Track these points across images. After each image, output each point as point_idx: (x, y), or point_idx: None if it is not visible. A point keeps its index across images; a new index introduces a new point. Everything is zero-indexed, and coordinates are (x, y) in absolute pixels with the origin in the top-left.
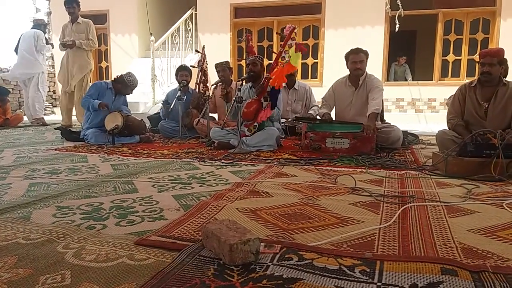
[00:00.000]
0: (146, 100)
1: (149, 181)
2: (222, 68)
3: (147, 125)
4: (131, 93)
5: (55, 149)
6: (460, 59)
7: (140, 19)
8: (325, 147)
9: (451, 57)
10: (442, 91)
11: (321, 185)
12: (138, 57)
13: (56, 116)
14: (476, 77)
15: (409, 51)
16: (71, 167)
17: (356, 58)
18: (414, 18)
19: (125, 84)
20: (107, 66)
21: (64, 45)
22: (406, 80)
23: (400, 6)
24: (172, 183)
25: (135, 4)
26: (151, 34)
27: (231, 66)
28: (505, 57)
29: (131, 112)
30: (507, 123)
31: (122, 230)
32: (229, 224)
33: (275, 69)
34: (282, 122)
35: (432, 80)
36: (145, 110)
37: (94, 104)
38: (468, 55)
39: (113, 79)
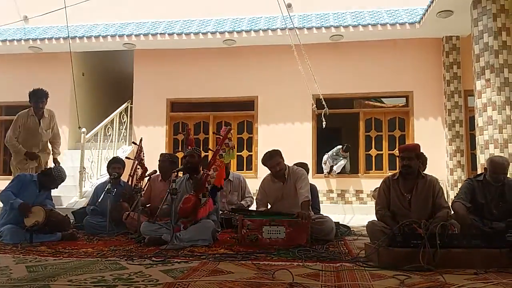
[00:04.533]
0: (72, 193)
1: (69, 285)
2: (161, 158)
3: (71, 220)
4: (57, 187)
5: None
6: (382, 154)
7: (72, 110)
8: (262, 238)
9: (373, 152)
10: (368, 183)
11: (258, 282)
12: (67, 149)
13: None
14: (397, 170)
15: (335, 146)
16: None
17: (273, 164)
18: (339, 116)
19: (53, 178)
20: None
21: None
22: (344, 168)
23: (325, 106)
24: (94, 286)
25: (68, 95)
26: (79, 127)
27: (174, 160)
28: (421, 151)
29: (55, 206)
30: (429, 212)
31: None
32: None
33: (213, 167)
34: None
35: (358, 173)
36: (70, 205)
37: (15, 204)
38: (388, 150)
39: (39, 172)
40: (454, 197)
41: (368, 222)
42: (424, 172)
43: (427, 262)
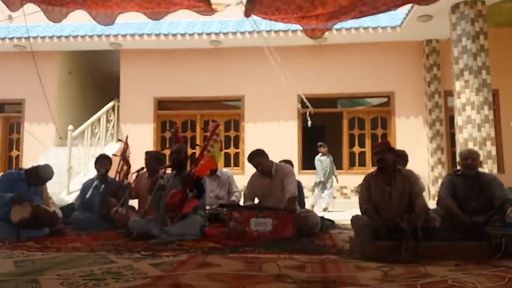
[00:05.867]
0: (60, 190)
1: (57, 279)
2: (147, 156)
3: (59, 216)
4: (44, 184)
5: None
6: (365, 151)
7: (59, 108)
8: (249, 230)
9: (357, 149)
10: (352, 179)
11: (246, 274)
12: (54, 146)
13: None
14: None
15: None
16: None
17: (253, 164)
18: (323, 116)
19: (39, 177)
20: (18, 155)
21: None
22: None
23: (309, 106)
24: (83, 279)
25: (55, 93)
26: (60, 138)
27: (160, 157)
28: (402, 148)
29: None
30: (408, 203)
31: None
32: None
33: (200, 162)
34: (207, 209)
35: (342, 169)
36: (58, 201)
37: (6, 198)
38: (371, 148)
39: (26, 169)
40: (438, 193)
41: (352, 216)
42: (406, 168)
43: (410, 254)
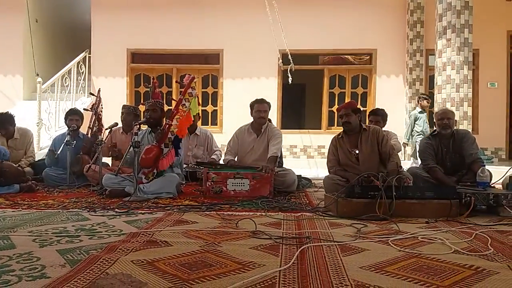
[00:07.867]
0: None
1: (29, 235)
2: (126, 111)
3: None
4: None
5: None
6: None
7: (26, 59)
8: (226, 190)
9: (336, 108)
10: (330, 139)
11: (222, 231)
12: (22, 100)
13: None
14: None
15: (300, 102)
16: None
17: (260, 108)
18: (304, 73)
19: None
20: None
21: None
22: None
23: (291, 61)
24: (56, 236)
25: (21, 43)
26: (37, 75)
27: (137, 112)
28: (381, 108)
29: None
30: (378, 162)
31: None
32: (122, 278)
33: (176, 117)
34: (184, 168)
35: (320, 129)
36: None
37: None
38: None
39: None
40: (422, 160)
41: (325, 177)
42: (383, 128)
43: (383, 212)
